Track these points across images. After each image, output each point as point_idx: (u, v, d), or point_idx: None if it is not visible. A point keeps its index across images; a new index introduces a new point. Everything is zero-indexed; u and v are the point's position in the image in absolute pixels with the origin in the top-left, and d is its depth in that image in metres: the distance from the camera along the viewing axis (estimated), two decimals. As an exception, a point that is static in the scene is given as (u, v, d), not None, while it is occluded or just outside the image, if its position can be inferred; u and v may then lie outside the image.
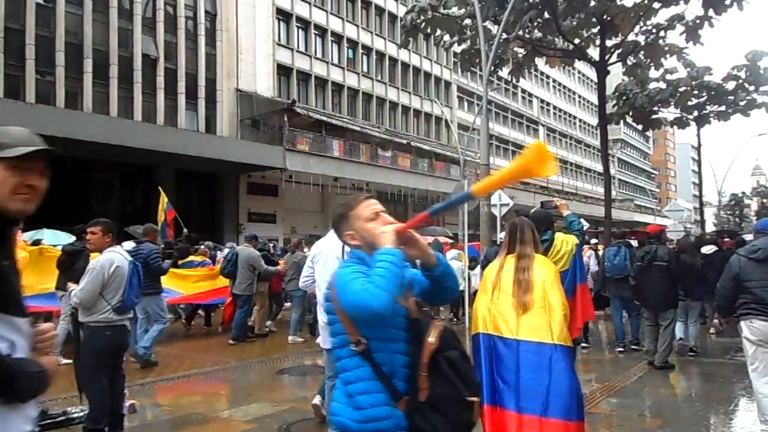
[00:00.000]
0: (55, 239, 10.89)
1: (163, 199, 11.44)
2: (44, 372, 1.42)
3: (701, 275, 7.89)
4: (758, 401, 4.62)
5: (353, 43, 32.09)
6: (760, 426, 4.63)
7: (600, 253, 10.78)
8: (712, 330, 9.87)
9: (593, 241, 12.93)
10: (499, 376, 3.11)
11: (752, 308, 4.46)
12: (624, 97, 20.71)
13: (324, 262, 4.29)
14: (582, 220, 5.66)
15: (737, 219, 73.56)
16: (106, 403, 4.44)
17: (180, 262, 10.10)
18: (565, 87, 55.34)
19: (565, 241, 4.48)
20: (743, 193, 77.76)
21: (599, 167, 42.89)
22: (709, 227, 42.64)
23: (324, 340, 4.01)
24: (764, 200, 72.78)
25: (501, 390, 3.08)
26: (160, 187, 12.00)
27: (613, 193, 36.17)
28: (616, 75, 20.83)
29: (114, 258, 4.64)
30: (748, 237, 9.99)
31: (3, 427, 1.38)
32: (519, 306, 3.21)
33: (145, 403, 5.83)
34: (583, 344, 8.29)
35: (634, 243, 9.60)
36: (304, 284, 4.80)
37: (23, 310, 1.48)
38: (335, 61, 30.90)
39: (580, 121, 58.08)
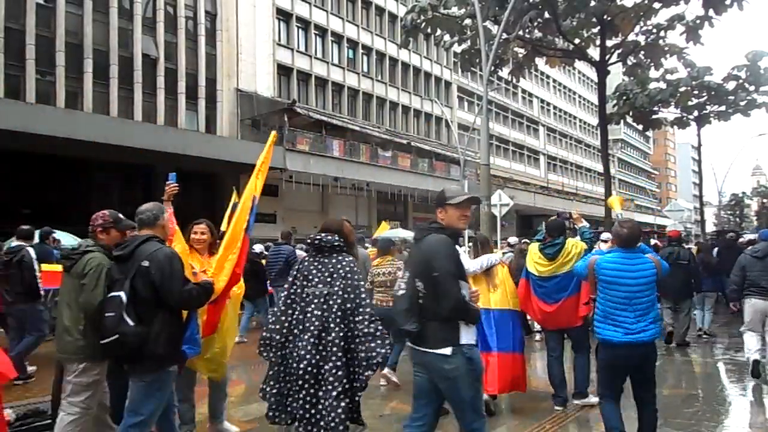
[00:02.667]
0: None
1: (234, 199, 11.96)
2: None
3: (717, 271, 9.78)
4: (746, 341, 6.81)
5: (353, 43, 32.09)
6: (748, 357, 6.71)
7: None
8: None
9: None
10: (484, 332, 5.16)
11: (751, 291, 6.62)
12: (624, 97, 20.73)
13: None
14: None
15: (737, 219, 73.56)
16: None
17: None
18: (565, 87, 55.32)
19: (574, 245, 5.48)
20: (743, 193, 77.72)
21: (599, 167, 42.94)
22: (709, 227, 42.63)
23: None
24: (764, 200, 72.74)
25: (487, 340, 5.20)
26: (234, 187, 12.67)
27: (614, 193, 36.14)
28: (616, 75, 20.81)
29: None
30: (749, 236, 12.36)
31: (466, 336, 3.18)
32: (490, 287, 5.34)
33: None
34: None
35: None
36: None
37: (466, 278, 3.38)
38: (335, 61, 30.91)
39: (580, 121, 58.06)
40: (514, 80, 19.91)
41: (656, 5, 15.65)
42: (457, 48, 18.40)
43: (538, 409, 5.64)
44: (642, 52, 17.40)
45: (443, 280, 3.11)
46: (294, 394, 3.43)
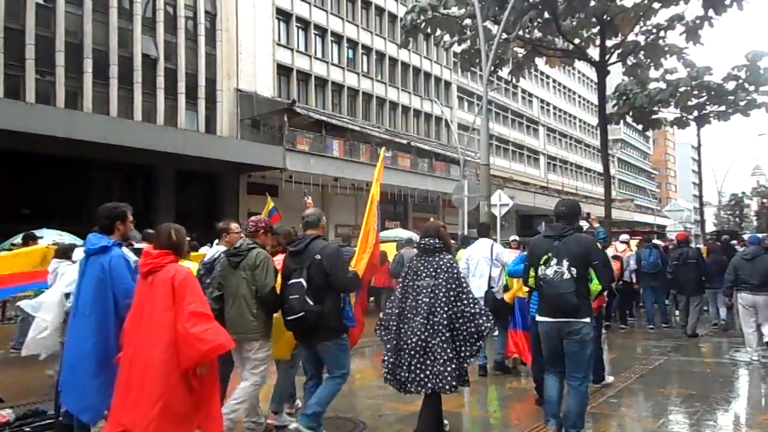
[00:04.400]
0: (60, 239, 10.95)
1: (269, 204, 12.35)
2: None
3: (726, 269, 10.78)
4: (746, 337, 8.00)
5: (353, 43, 32.09)
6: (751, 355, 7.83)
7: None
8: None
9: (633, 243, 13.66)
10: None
11: (742, 286, 7.95)
12: (624, 97, 20.72)
13: (476, 262, 6.94)
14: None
15: (737, 219, 73.56)
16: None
17: None
18: (565, 87, 55.33)
19: None
20: (743, 193, 77.70)
21: (599, 167, 42.93)
22: (709, 227, 42.63)
23: None
24: (764, 200, 72.71)
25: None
26: (267, 193, 13.09)
27: (613, 193, 36.13)
28: (616, 75, 20.79)
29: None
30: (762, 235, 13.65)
31: None
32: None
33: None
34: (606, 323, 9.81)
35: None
36: None
37: None
38: (335, 61, 30.91)
39: (580, 121, 58.07)
40: (514, 80, 19.88)
41: (656, 5, 15.62)
42: (457, 48, 18.38)
43: (537, 409, 5.65)
44: (642, 52, 17.37)
45: (600, 267, 4.38)
46: (403, 364, 4.32)
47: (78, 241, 8.21)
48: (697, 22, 15.18)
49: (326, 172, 25.27)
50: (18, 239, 10.37)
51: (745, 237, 12.68)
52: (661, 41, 16.96)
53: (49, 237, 10.99)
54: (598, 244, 5.70)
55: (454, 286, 4.38)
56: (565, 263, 4.27)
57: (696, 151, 30.43)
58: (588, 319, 4.28)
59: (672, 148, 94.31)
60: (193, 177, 23.30)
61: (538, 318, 4.56)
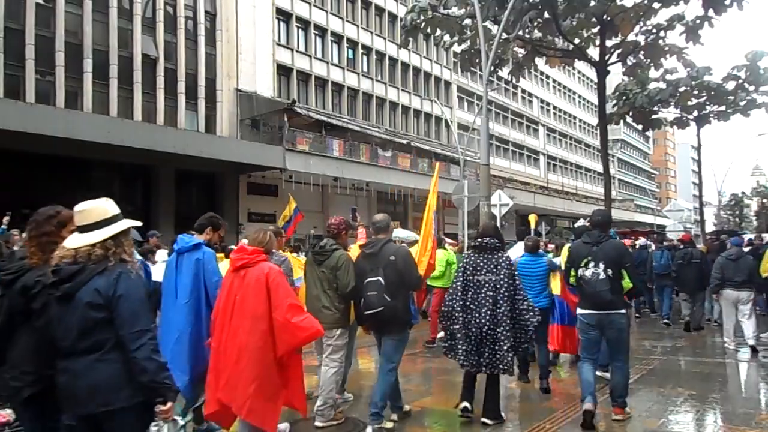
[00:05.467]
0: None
1: (291, 204, 12.50)
2: None
3: None
4: (725, 328, 9.02)
5: (353, 43, 32.08)
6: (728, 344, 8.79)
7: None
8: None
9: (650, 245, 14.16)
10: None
11: (726, 284, 8.73)
12: (624, 97, 20.72)
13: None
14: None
15: (737, 219, 73.53)
16: None
17: None
18: (565, 87, 55.31)
19: None
20: (743, 193, 77.67)
21: (599, 167, 42.89)
22: (709, 227, 42.59)
23: None
24: (764, 200, 72.67)
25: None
26: (290, 194, 13.21)
27: (613, 193, 36.14)
28: (616, 75, 20.81)
29: None
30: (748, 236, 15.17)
31: None
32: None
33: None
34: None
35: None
36: None
37: None
38: (335, 61, 30.89)
39: (580, 121, 58.06)
40: (514, 80, 19.87)
41: (656, 5, 15.61)
42: (457, 48, 18.37)
43: (537, 409, 5.64)
44: (642, 52, 17.36)
45: (632, 268, 5.21)
46: (473, 349, 4.96)
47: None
48: (697, 22, 15.17)
49: (326, 172, 25.25)
50: None
51: (747, 237, 13.31)
52: (661, 41, 16.95)
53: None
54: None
55: (512, 282, 5.02)
56: (602, 265, 5.05)
57: (696, 151, 30.41)
58: (623, 311, 5.14)
59: (672, 148, 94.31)
60: (192, 177, 23.29)
61: (579, 311, 5.29)
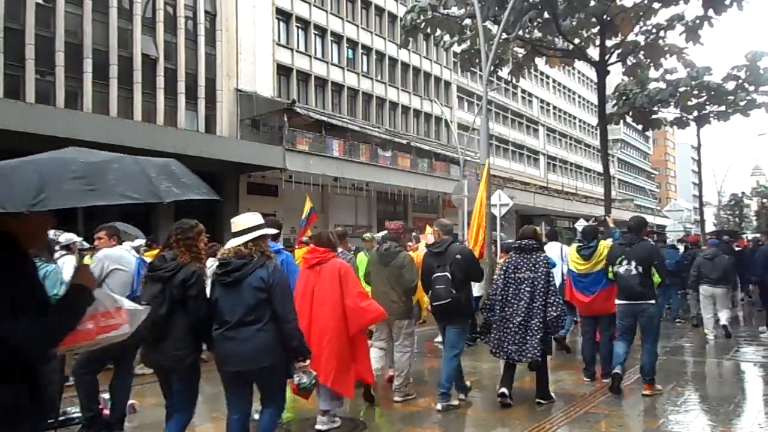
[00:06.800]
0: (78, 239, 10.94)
1: (308, 203, 12.60)
2: None
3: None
4: (705, 321, 9.82)
5: (353, 43, 32.08)
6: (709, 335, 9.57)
7: None
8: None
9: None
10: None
11: (703, 280, 9.67)
12: (624, 97, 20.71)
13: None
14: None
15: (737, 219, 73.51)
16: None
17: None
18: (565, 87, 55.32)
19: (606, 246, 6.61)
20: (743, 193, 77.65)
21: (599, 167, 42.88)
22: (709, 227, 42.59)
23: None
24: (764, 200, 72.69)
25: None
26: (306, 194, 13.37)
27: (613, 193, 36.11)
28: (616, 75, 20.79)
29: (110, 253, 4.95)
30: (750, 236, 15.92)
31: None
32: None
33: (145, 403, 5.83)
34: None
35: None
36: None
37: None
38: (335, 61, 30.90)
39: (580, 121, 58.07)
40: (514, 80, 19.85)
41: (656, 5, 15.60)
42: (457, 48, 18.36)
43: (537, 409, 5.65)
44: (642, 52, 17.36)
45: (660, 266, 6.04)
46: (508, 338, 5.57)
47: (85, 244, 8.15)
48: (697, 22, 15.17)
49: (326, 172, 25.23)
50: None
51: (750, 236, 14.04)
52: (661, 41, 16.95)
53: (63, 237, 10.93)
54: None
55: (548, 279, 5.62)
56: (633, 263, 5.92)
57: (696, 151, 30.39)
58: (653, 301, 6.00)
59: (672, 148, 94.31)
60: (193, 177, 23.27)
61: (617, 301, 6.13)
